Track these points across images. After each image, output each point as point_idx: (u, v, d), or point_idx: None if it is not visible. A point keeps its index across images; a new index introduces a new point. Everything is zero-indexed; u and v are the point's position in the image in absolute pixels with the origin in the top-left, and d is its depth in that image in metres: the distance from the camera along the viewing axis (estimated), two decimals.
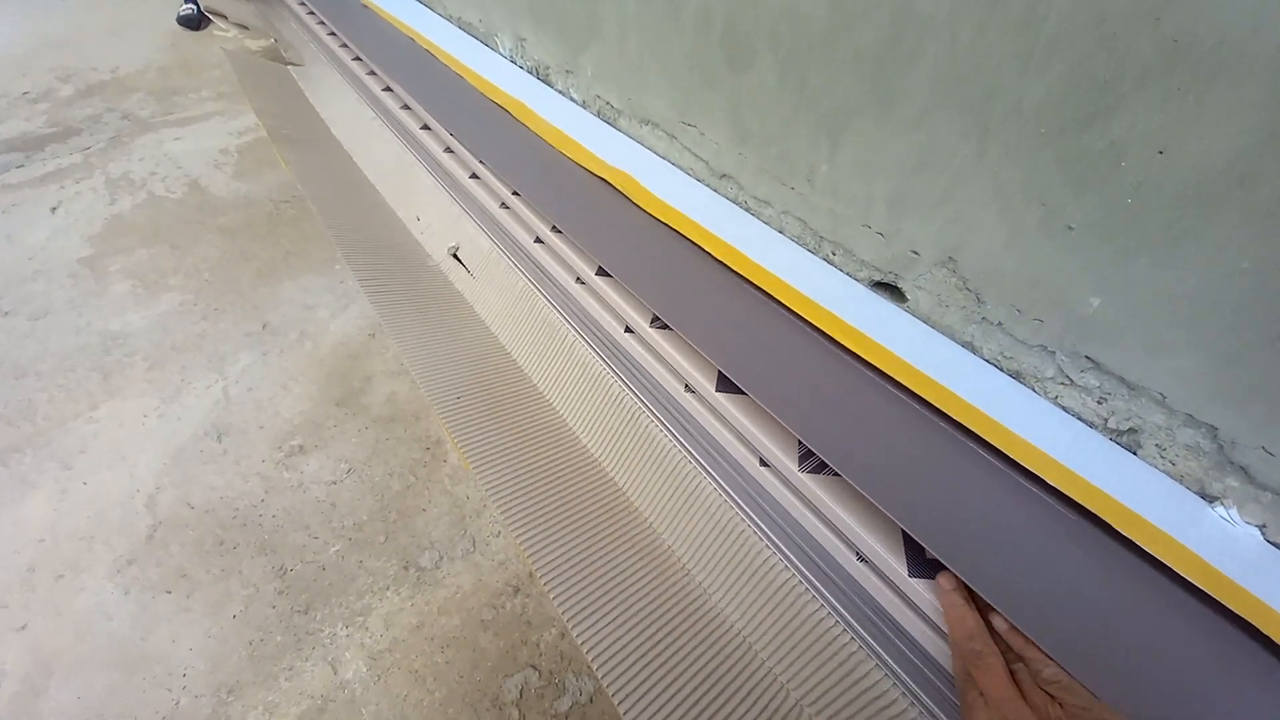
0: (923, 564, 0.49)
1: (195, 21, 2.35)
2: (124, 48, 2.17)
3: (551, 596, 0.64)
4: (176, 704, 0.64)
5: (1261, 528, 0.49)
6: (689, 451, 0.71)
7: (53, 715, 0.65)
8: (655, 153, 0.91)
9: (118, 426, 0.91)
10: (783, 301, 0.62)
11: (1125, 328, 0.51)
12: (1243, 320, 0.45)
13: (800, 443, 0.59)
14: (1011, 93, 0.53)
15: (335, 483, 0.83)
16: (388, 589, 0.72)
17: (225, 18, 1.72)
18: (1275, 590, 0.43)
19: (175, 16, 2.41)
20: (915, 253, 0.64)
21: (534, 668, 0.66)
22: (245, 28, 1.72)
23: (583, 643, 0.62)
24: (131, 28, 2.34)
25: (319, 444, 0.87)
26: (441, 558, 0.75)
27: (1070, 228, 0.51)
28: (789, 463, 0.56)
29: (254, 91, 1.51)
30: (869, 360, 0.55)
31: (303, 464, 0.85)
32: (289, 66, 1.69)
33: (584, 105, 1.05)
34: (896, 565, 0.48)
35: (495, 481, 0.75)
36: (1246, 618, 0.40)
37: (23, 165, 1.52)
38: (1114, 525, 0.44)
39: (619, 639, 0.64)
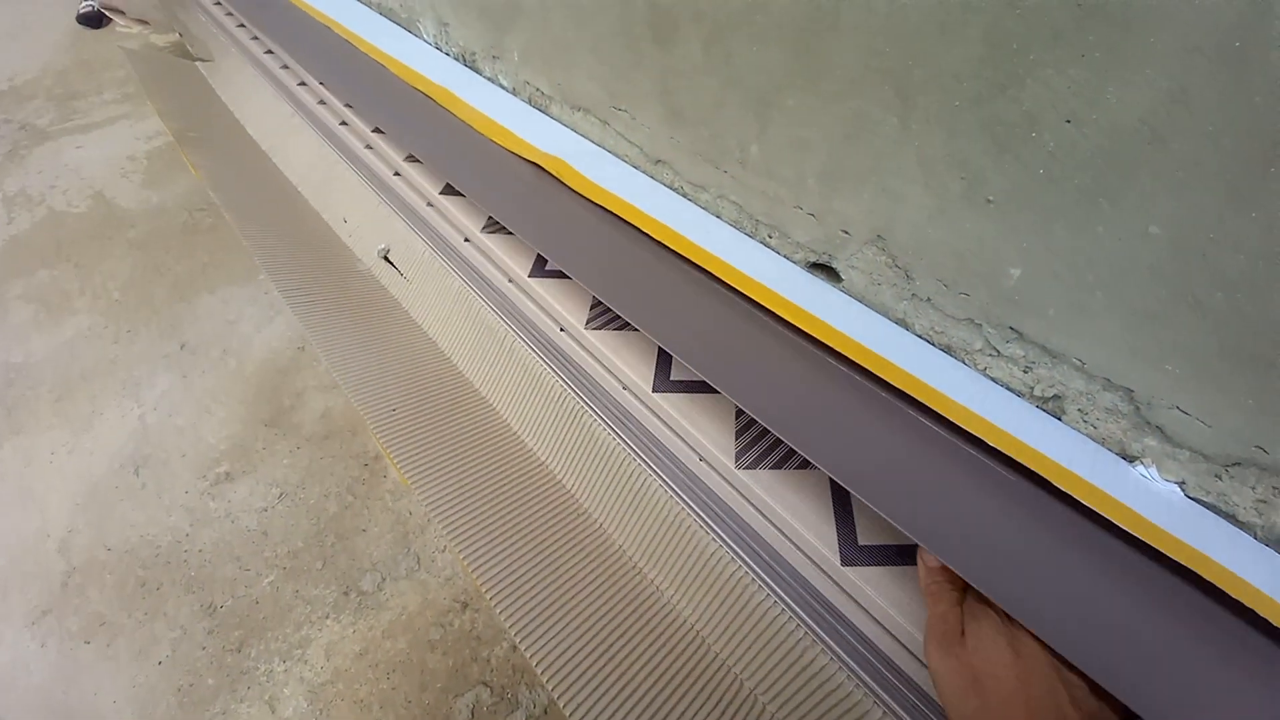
0: (854, 550, 0.48)
1: (96, 19, 2.18)
2: (19, 52, 2.00)
3: (498, 611, 0.62)
4: None
5: (1181, 484, 0.50)
6: (632, 449, 0.69)
7: None
8: (590, 139, 0.88)
9: (24, 465, 0.84)
10: (725, 280, 0.60)
11: (1045, 297, 0.51)
12: (1156, 282, 0.45)
13: (736, 438, 0.58)
14: (930, 61, 0.52)
15: (266, 509, 0.78)
16: (327, 617, 0.68)
17: (123, 13, 1.59)
18: (1198, 540, 0.44)
19: (75, 15, 2.24)
20: (846, 232, 0.63)
21: (485, 685, 0.64)
22: (146, 23, 1.60)
23: (532, 656, 0.60)
24: (26, 30, 2.15)
25: (247, 469, 0.82)
26: (384, 579, 0.72)
27: (990, 200, 0.51)
28: (725, 460, 0.55)
29: (158, 93, 1.40)
30: (812, 334, 0.54)
31: (230, 492, 0.80)
32: (197, 63, 1.58)
33: (514, 92, 1.00)
34: (829, 555, 0.48)
35: (436, 496, 0.72)
36: (1176, 559, 0.40)
37: None
38: (1051, 480, 0.44)
39: (570, 647, 0.63)
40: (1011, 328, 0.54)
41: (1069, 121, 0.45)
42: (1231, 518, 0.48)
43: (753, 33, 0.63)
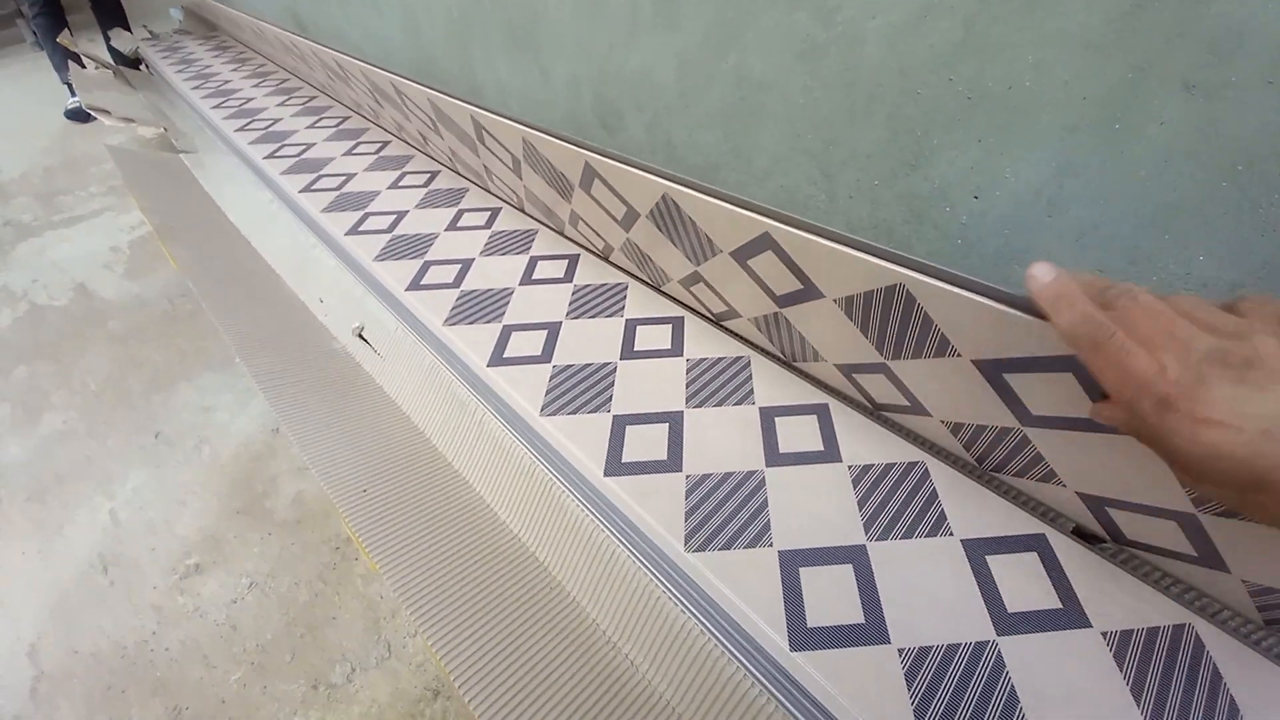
0: (803, 636, 0.49)
1: (83, 115, 2.28)
2: (6, 150, 2.07)
3: (467, 700, 0.60)
4: None
5: None
6: (600, 521, 0.69)
7: None
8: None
9: None
10: None
11: None
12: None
13: (685, 519, 0.59)
14: (845, 142, 0.56)
15: (235, 601, 0.77)
16: (294, 715, 0.67)
17: (109, 113, 1.67)
18: None
19: (63, 111, 2.33)
20: None
21: None
22: (132, 120, 1.67)
23: None
24: (12, 130, 2.24)
25: (218, 560, 0.82)
26: (354, 669, 0.70)
27: None
28: (675, 543, 0.56)
29: (140, 188, 1.45)
30: None
31: (200, 586, 0.79)
32: (181, 154, 1.64)
33: None
34: (778, 639, 0.48)
35: (404, 579, 0.71)
36: None
37: None
38: None
39: None
40: None
41: (977, 197, 0.49)
42: None
43: (688, 119, 0.68)
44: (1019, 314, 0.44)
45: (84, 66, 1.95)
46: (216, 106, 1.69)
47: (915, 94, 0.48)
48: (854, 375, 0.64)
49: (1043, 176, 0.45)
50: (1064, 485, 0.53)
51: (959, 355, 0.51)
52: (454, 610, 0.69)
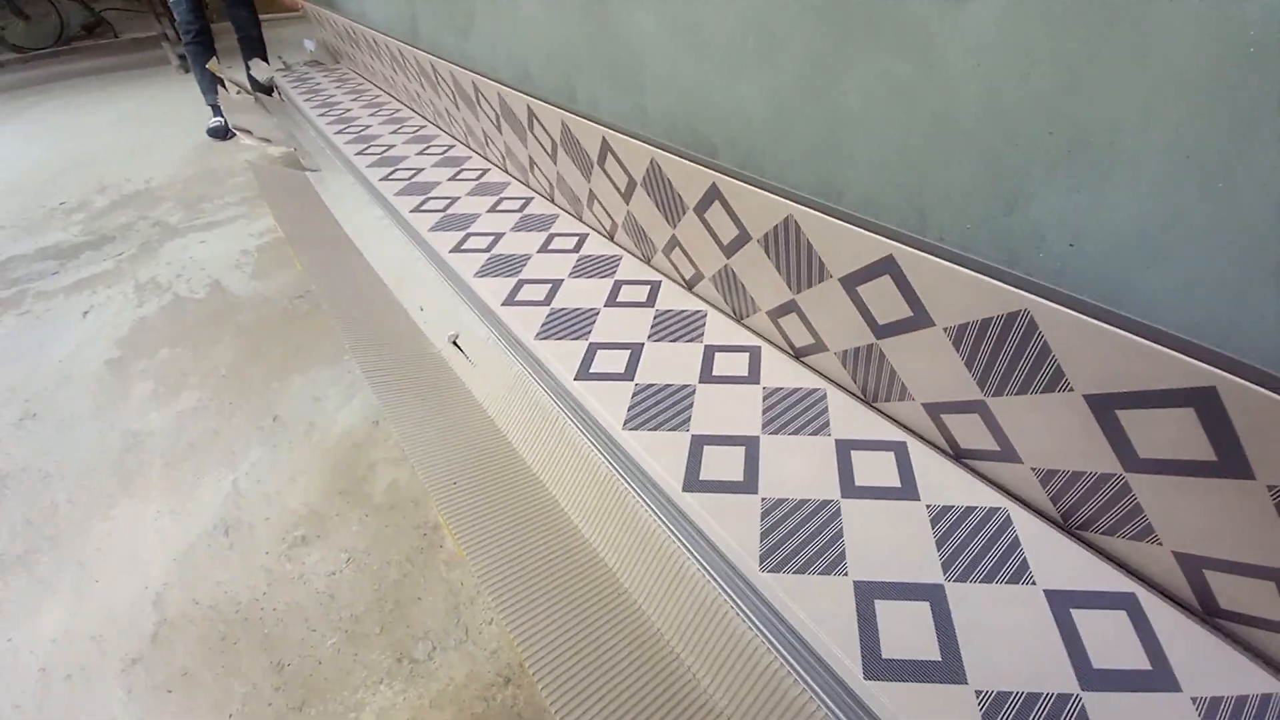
0: (877, 666, 0.50)
1: (223, 132, 2.57)
2: (155, 161, 2.37)
3: (540, 687, 0.64)
4: None
5: None
6: (674, 533, 0.73)
7: None
8: None
9: (132, 525, 0.95)
10: None
11: None
12: None
13: (761, 540, 0.61)
14: (939, 183, 0.59)
15: (335, 573, 0.85)
16: (380, 683, 0.73)
17: (250, 132, 1.89)
18: None
19: (205, 129, 2.64)
20: None
21: None
22: (267, 140, 1.88)
23: None
24: (161, 143, 2.56)
25: (321, 534, 0.90)
26: (435, 648, 0.76)
27: None
28: (750, 560, 0.59)
29: (273, 198, 1.63)
30: None
31: (305, 555, 0.88)
32: (307, 172, 1.84)
33: None
34: (852, 666, 0.50)
35: (488, 567, 0.77)
36: None
37: (57, 272, 1.64)
38: None
39: None
40: None
41: (1072, 245, 0.51)
42: None
43: (779, 155, 0.72)
44: (1148, 343, 0.45)
45: (228, 91, 2.22)
46: (339, 132, 1.88)
47: (1013, 139, 0.51)
48: (941, 415, 0.65)
49: (1144, 225, 0.47)
50: (1160, 544, 0.53)
51: (1071, 390, 0.51)
52: (530, 601, 0.74)
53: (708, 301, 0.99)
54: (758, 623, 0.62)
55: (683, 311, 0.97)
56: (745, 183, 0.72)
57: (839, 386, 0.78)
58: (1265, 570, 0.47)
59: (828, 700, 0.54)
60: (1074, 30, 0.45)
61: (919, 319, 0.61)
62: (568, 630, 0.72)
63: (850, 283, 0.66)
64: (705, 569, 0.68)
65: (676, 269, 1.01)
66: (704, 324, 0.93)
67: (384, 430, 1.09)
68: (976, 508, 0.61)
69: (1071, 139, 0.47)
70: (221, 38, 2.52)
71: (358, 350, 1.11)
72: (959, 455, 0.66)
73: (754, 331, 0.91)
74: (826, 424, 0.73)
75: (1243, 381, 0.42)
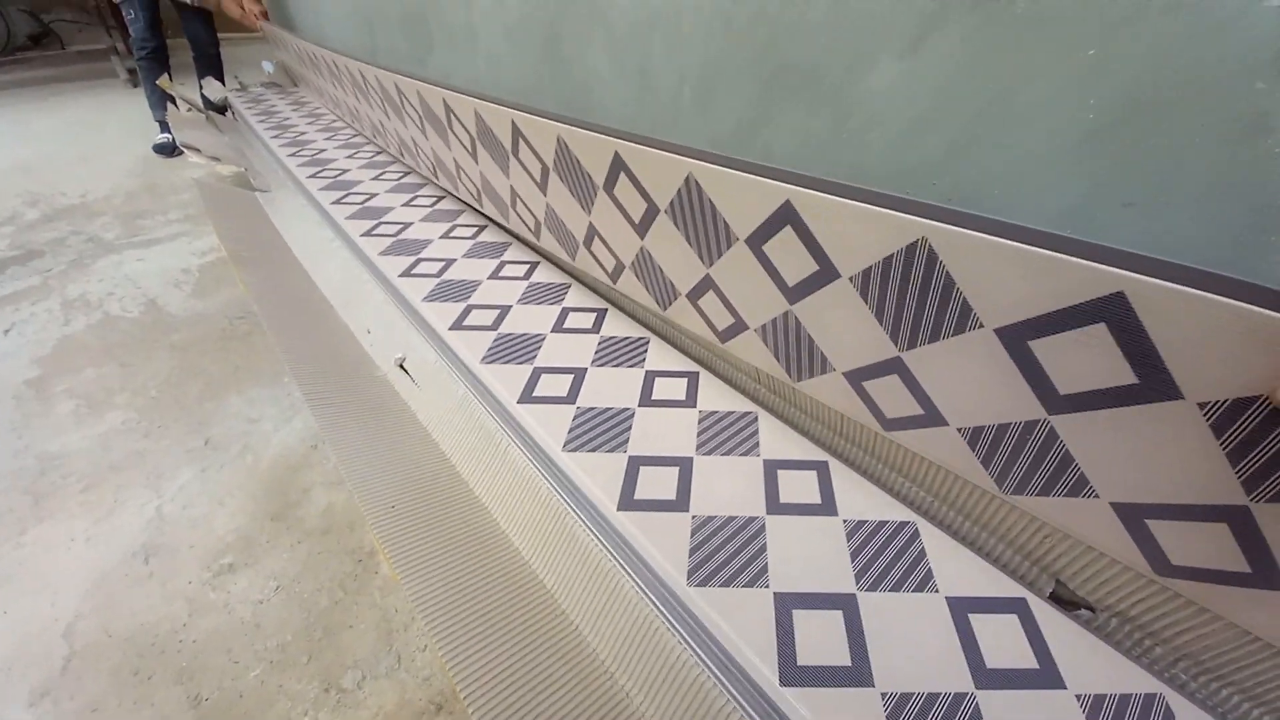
0: (793, 672, 0.53)
1: (169, 149, 2.51)
2: (93, 173, 2.29)
3: (471, 714, 0.64)
4: None
5: None
6: (609, 551, 0.74)
7: None
8: None
9: (44, 552, 0.90)
10: None
11: None
12: None
13: (690, 555, 0.63)
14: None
15: (262, 601, 0.82)
16: (305, 715, 0.71)
17: (199, 150, 1.86)
18: None
19: (151, 145, 2.57)
20: None
21: None
22: (217, 159, 1.85)
23: None
24: (101, 156, 2.47)
25: (249, 561, 0.88)
26: (364, 676, 0.74)
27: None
28: (678, 575, 0.61)
29: (219, 217, 1.60)
30: None
31: (231, 583, 0.85)
32: (256, 193, 1.81)
33: None
34: (769, 673, 0.53)
35: (422, 592, 0.76)
36: None
37: None
38: None
39: None
40: None
41: None
42: None
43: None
44: (1047, 253, 0.41)
45: (178, 108, 2.18)
46: (292, 155, 1.87)
47: (912, 193, 0.57)
48: (864, 384, 0.67)
49: None
50: (1097, 496, 0.50)
51: (981, 326, 0.49)
52: (465, 625, 0.74)
53: (645, 325, 1.02)
54: (686, 636, 0.64)
55: (627, 338, 1.00)
56: (644, 144, 0.73)
57: (767, 408, 0.83)
58: (1212, 510, 0.43)
59: (748, 708, 0.56)
60: (960, 102, 0.51)
61: (825, 272, 0.60)
62: (503, 655, 0.72)
63: (755, 242, 0.66)
64: (639, 585, 0.70)
65: (599, 262, 1.03)
66: (646, 350, 0.97)
67: (322, 453, 1.07)
68: (889, 522, 0.66)
69: (951, 194, 0.54)
70: (177, 53, 2.49)
71: (298, 371, 1.10)
72: (887, 427, 0.67)
73: (689, 356, 0.95)
74: (756, 445, 0.77)
75: (1152, 279, 0.38)
